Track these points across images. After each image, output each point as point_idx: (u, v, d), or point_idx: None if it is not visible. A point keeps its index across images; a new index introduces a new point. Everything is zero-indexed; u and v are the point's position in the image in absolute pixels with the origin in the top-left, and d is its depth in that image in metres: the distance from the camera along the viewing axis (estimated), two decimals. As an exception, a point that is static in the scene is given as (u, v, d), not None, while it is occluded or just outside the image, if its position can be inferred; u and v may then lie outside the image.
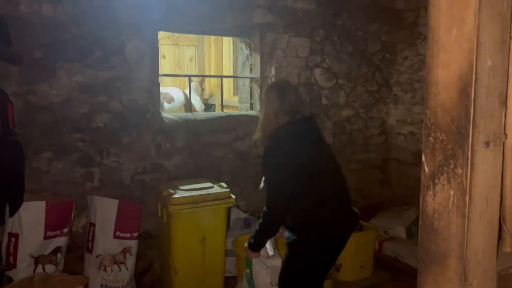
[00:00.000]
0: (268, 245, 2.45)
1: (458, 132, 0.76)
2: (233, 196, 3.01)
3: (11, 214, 2.29)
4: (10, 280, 2.36)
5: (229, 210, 3.11)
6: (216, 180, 3.18)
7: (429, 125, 0.81)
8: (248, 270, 2.58)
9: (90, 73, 2.96)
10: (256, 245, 2.32)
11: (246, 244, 2.35)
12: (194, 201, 2.85)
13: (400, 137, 4.44)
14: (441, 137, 0.79)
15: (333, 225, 2.19)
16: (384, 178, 4.56)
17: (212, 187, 3.01)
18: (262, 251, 2.41)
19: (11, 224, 2.43)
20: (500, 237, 0.93)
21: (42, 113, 2.84)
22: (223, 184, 3.08)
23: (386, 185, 4.56)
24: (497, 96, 0.77)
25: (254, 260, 2.51)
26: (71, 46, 2.87)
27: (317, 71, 3.94)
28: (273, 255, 2.48)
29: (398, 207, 4.22)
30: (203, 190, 2.94)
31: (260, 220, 2.24)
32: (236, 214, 3.28)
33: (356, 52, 4.15)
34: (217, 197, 2.93)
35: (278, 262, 2.38)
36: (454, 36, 0.75)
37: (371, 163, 4.46)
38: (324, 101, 4.03)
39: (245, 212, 3.55)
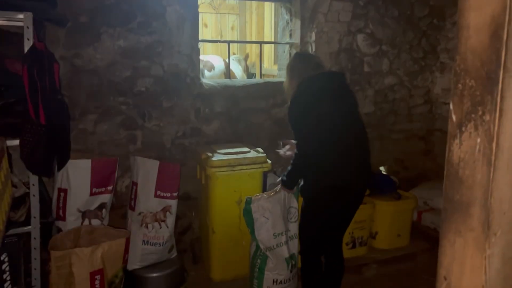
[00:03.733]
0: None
1: (487, 77, 0.73)
2: (269, 161, 3.05)
3: (59, 168, 2.44)
4: (59, 230, 2.54)
5: (265, 175, 3.15)
6: (253, 146, 3.22)
7: (459, 71, 0.78)
8: (249, 229, 2.68)
9: (132, 37, 3.03)
10: (289, 184, 2.54)
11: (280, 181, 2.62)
12: (231, 164, 2.91)
13: (446, 106, 4.27)
14: (470, 83, 0.76)
15: (339, 176, 2.30)
16: (427, 149, 4.43)
17: (248, 151, 3.06)
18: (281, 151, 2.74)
19: (60, 180, 2.59)
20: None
21: (88, 77, 2.96)
22: (259, 149, 3.12)
23: (429, 156, 4.43)
24: (533, 40, 0.73)
25: (254, 217, 2.63)
26: (114, 10, 2.95)
27: (360, 37, 3.83)
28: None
29: (440, 179, 4.09)
30: (240, 154, 3.00)
31: (292, 162, 2.43)
32: (272, 179, 3.31)
33: (402, 17, 3.98)
34: (253, 161, 2.98)
35: (277, 209, 2.64)
36: (488, -25, 0.72)
37: (414, 133, 4.34)
38: (366, 68, 3.92)
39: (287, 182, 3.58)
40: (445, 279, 0.85)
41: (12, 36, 2.24)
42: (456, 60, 0.80)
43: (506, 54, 0.71)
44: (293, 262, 2.76)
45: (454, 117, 0.80)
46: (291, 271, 2.73)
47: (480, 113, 0.75)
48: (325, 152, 2.30)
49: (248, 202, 2.64)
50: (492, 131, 0.74)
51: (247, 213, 2.64)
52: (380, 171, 4.13)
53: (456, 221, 0.81)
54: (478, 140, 0.76)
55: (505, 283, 0.79)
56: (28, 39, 2.00)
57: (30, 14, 1.98)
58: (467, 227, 0.79)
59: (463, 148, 0.79)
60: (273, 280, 2.69)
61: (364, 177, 2.43)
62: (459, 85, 0.79)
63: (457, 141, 0.80)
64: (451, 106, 0.81)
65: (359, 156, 2.39)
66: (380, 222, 3.33)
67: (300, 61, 2.51)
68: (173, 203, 2.86)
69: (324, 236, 2.46)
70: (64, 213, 2.60)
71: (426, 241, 3.46)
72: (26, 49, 1.99)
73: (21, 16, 1.99)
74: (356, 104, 2.52)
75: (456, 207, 0.80)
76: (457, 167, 0.80)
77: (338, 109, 2.34)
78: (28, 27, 1.99)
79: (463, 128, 0.79)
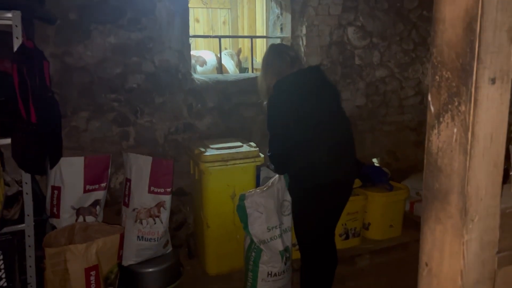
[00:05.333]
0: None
1: (462, 69, 0.76)
2: (262, 155, 3.07)
3: (51, 166, 2.45)
4: (53, 227, 2.56)
5: (258, 169, 3.18)
6: (246, 140, 3.24)
7: (436, 63, 0.81)
8: (243, 224, 2.70)
9: (123, 34, 3.03)
10: (280, 173, 2.64)
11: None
12: (224, 159, 2.93)
13: (437, 98, 4.29)
14: (446, 75, 0.79)
15: (325, 172, 2.27)
16: (419, 140, 4.46)
17: (241, 146, 3.08)
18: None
19: (53, 177, 2.60)
20: (510, 179, 0.93)
21: (79, 74, 2.96)
22: (252, 143, 3.14)
23: (421, 147, 4.46)
24: (505, 32, 0.76)
25: (248, 212, 2.65)
26: (104, 7, 2.94)
27: (350, 30, 3.84)
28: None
29: (432, 169, 4.14)
30: (233, 149, 3.02)
31: (272, 164, 2.50)
32: (265, 173, 3.34)
33: (392, 9, 4.00)
34: (246, 155, 3.00)
35: (271, 204, 2.66)
36: (462, -30, 0.74)
37: (406, 124, 4.37)
38: (357, 61, 3.94)
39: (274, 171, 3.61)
40: (427, 265, 0.88)
41: (0, 34, 2.24)
42: (433, 53, 0.82)
43: (479, 46, 0.74)
44: (288, 255, 2.79)
45: (432, 108, 0.83)
46: (285, 264, 2.76)
47: (456, 103, 0.78)
48: (308, 151, 2.26)
49: (242, 198, 2.66)
50: (467, 121, 0.76)
51: (241, 209, 2.66)
52: (373, 163, 4.17)
53: (436, 208, 0.83)
54: (455, 130, 0.79)
55: (483, 267, 0.82)
56: (17, 38, 2.00)
57: (18, 13, 1.98)
58: (446, 214, 0.82)
59: (441, 138, 0.81)
60: (268, 272, 2.72)
61: (350, 173, 2.41)
62: (437, 77, 0.81)
63: (435, 131, 0.83)
64: (429, 98, 0.83)
65: (343, 152, 2.35)
66: (372, 213, 3.37)
67: (275, 56, 2.43)
68: (167, 198, 2.88)
69: (317, 232, 2.44)
70: (58, 210, 2.61)
71: (418, 231, 3.46)
72: (15, 48, 1.99)
73: (9, 14, 1.99)
74: (338, 97, 2.48)
75: (436, 195, 0.83)
76: (436, 156, 0.83)
77: (319, 106, 2.30)
78: (16, 26, 1.99)
79: (441, 119, 0.81)
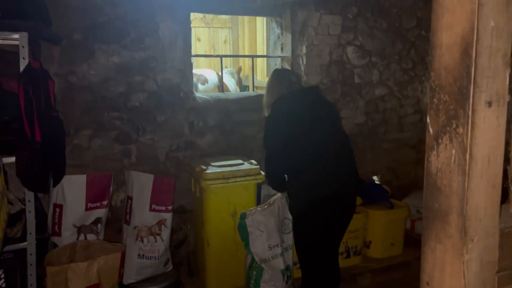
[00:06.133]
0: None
1: (459, 92, 0.78)
2: (263, 173, 3.08)
3: (54, 184, 2.47)
4: (54, 245, 2.56)
5: (259, 186, 3.18)
6: (247, 158, 3.26)
7: (434, 87, 0.83)
8: (244, 243, 2.70)
9: (126, 53, 3.08)
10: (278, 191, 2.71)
11: None
12: (225, 177, 2.95)
13: (436, 116, 4.33)
14: (444, 98, 0.81)
15: (322, 188, 2.28)
16: (418, 157, 4.48)
17: (242, 163, 3.10)
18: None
19: (55, 195, 2.61)
20: (509, 199, 0.95)
21: (82, 93, 2.99)
22: (253, 161, 3.16)
23: (421, 164, 4.48)
24: (500, 57, 0.78)
25: (249, 231, 2.67)
26: (108, 28, 3.00)
27: (350, 49, 3.90)
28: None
29: (433, 187, 4.14)
30: (234, 167, 3.03)
31: (267, 182, 2.57)
32: (266, 191, 3.35)
33: (390, 28, 4.06)
34: (247, 173, 3.01)
35: (271, 222, 2.69)
36: (457, -2, 0.77)
37: (406, 142, 4.40)
38: (356, 80, 3.99)
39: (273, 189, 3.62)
40: (428, 284, 0.89)
41: (7, 54, 2.28)
42: (431, 77, 0.85)
43: (475, 71, 0.76)
44: (289, 274, 2.78)
45: (431, 130, 0.85)
46: (286, 283, 2.76)
47: (454, 126, 0.80)
48: (305, 168, 2.30)
49: (242, 217, 2.66)
50: (465, 143, 0.78)
51: (242, 228, 2.66)
52: (373, 180, 4.17)
53: (436, 228, 0.85)
54: (453, 151, 0.81)
55: (483, 287, 0.83)
56: (23, 58, 2.04)
57: (25, 34, 2.02)
58: (446, 234, 0.83)
59: (440, 159, 0.83)
60: (269, 291, 2.71)
61: (350, 188, 2.42)
62: (435, 100, 0.83)
63: (434, 152, 0.85)
64: (428, 120, 0.86)
65: (342, 168, 2.37)
66: (373, 231, 3.36)
67: (274, 79, 2.57)
68: (168, 216, 2.88)
69: (317, 249, 2.42)
70: (59, 228, 2.61)
71: (419, 249, 3.46)
72: (21, 68, 2.02)
73: (16, 36, 2.03)
74: (335, 115, 2.53)
75: (436, 215, 0.84)
76: (435, 177, 0.84)
77: (314, 125, 2.35)
78: (23, 47, 2.03)
79: (440, 140, 0.83)
